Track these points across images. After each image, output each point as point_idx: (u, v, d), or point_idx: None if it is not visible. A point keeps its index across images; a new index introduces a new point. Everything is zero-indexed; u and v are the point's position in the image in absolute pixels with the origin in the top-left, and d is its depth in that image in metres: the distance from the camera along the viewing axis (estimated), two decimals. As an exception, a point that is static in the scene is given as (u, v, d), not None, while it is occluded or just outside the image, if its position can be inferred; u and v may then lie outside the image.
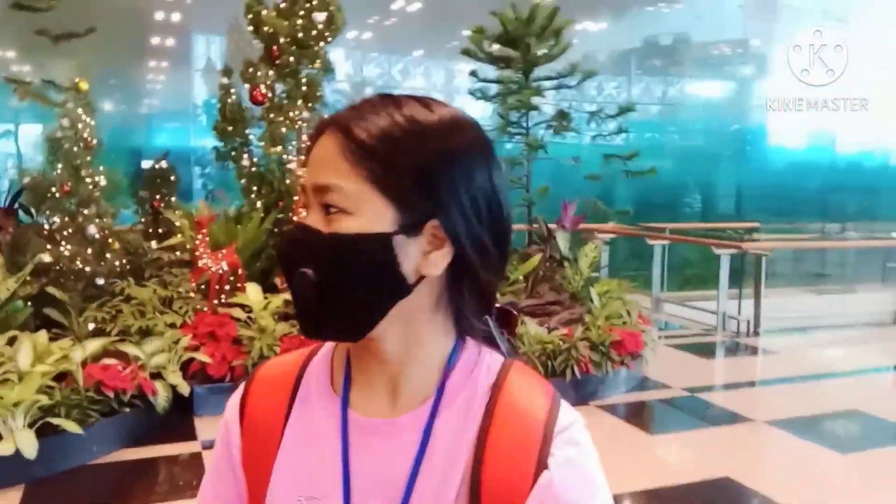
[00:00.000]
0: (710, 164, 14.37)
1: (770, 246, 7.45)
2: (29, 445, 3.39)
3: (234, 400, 0.85)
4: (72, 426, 3.57)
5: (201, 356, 4.44)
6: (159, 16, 11.59)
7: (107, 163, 5.29)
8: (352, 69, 13.40)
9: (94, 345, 4.13)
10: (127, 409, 3.94)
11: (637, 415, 4.92)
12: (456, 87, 13.04)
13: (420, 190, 0.70)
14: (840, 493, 3.77)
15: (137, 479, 3.71)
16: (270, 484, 0.78)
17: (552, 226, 5.98)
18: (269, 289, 5.10)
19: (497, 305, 0.81)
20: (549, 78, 6.28)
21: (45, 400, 3.58)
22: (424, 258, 0.72)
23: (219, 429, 0.84)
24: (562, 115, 6.01)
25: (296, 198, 5.50)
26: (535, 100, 6.14)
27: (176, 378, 4.24)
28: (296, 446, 0.78)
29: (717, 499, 3.66)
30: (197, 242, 4.91)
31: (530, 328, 5.00)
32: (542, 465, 0.70)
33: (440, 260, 0.72)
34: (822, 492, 3.74)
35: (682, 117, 15.48)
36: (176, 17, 11.71)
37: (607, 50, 14.41)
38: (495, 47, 6.14)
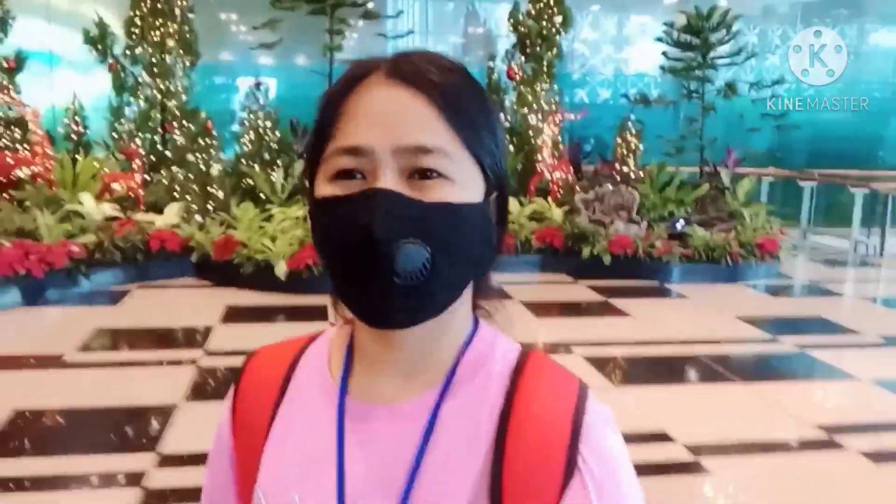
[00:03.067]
0: (888, 114, 14.76)
1: (893, 186, 9.32)
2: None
3: (228, 394, 0.79)
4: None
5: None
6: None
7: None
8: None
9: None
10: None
11: (774, 292, 7.30)
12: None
13: (494, 157, 0.68)
14: None
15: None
16: (258, 479, 0.72)
17: (718, 166, 8.37)
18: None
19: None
20: (720, 57, 8.60)
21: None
22: (495, 227, 0.70)
23: (217, 427, 0.79)
24: (729, 87, 8.34)
25: (537, 144, 8.32)
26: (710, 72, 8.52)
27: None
28: (286, 437, 0.72)
29: (809, 329, 6.07)
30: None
31: (698, 232, 7.51)
32: (571, 464, 0.63)
33: (501, 229, 0.71)
34: None
35: (865, 67, 15.72)
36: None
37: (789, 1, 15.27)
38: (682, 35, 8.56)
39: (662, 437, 3.57)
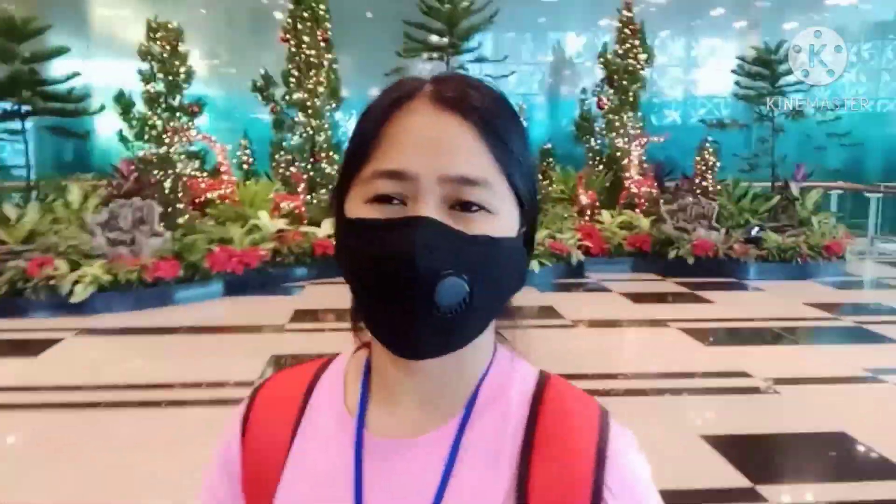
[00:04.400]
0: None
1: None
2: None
3: (235, 419, 0.76)
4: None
5: (586, 242, 8.69)
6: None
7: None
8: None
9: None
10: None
11: (839, 286, 8.34)
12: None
13: (530, 189, 0.67)
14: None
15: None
16: None
17: (788, 180, 9.50)
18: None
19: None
20: (788, 84, 9.76)
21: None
22: (526, 256, 0.69)
23: (217, 449, 0.76)
24: (796, 112, 9.50)
25: (624, 163, 9.63)
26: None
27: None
28: (302, 473, 0.70)
29: (867, 311, 7.13)
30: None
31: (771, 237, 8.64)
32: (597, 495, 0.63)
33: (528, 257, 0.70)
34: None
35: None
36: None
37: (860, 21, 15.91)
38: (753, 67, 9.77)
39: (743, 374, 4.82)
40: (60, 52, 7.76)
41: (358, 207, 0.64)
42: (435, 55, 9.81)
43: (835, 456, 3.61)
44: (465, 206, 0.62)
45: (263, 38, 12.04)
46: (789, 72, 9.59)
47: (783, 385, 4.61)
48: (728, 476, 3.30)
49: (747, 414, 4.16)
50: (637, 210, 9.34)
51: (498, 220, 0.63)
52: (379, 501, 0.66)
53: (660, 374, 4.90)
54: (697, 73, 16.14)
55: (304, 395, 0.74)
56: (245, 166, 9.48)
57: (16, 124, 7.78)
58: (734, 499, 3.11)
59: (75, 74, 8.04)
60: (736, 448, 3.60)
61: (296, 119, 9.28)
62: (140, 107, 8.79)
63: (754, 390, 4.55)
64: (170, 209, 7.47)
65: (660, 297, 7.48)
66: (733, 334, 6.04)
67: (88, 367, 4.93)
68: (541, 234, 8.27)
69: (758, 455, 3.58)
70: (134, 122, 8.85)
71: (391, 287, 0.60)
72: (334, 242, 0.68)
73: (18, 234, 6.79)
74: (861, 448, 3.63)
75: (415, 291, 0.59)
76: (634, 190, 9.46)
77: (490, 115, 0.64)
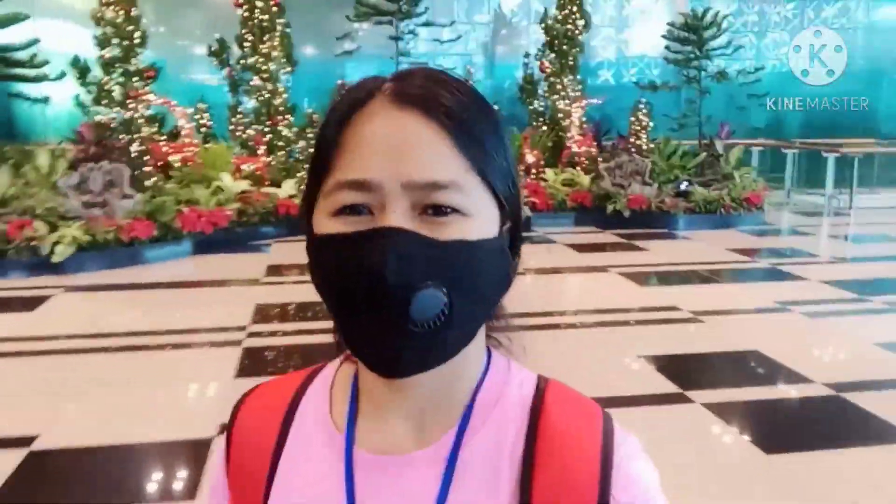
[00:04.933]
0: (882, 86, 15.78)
1: (859, 150, 11.23)
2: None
3: (223, 436, 0.74)
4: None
5: (532, 199, 9.33)
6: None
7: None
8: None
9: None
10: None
11: (758, 234, 9.25)
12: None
13: (509, 185, 0.64)
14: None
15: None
16: None
17: (713, 138, 10.34)
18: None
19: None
20: (713, 49, 10.54)
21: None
22: (511, 259, 0.66)
23: (209, 468, 0.84)
24: (721, 74, 10.30)
25: (565, 124, 10.28)
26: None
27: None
28: (290, 493, 0.67)
29: (782, 255, 8.02)
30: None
31: (698, 190, 9.46)
32: (604, 500, 0.62)
33: (515, 256, 0.67)
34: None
35: (870, 40, 16.02)
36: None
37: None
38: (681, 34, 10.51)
39: (674, 308, 5.57)
40: (18, 18, 7.86)
41: (325, 222, 0.61)
42: (384, 19, 10.18)
43: (749, 367, 4.37)
44: (436, 211, 0.58)
45: (216, 2, 12.15)
46: (714, 37, 10.36)
47: (706, 315, 5.38)
48: (663, 385, 4.01)
49: (676, 338, 4.90)
50: (578, 168, 10.03)
51: (473, 221, 0.59)
52: None
53: (602, 309, 5.60)
54: (629, 34, 16.82)
55: (287, 410, 0.70)
56: (203, 129, 9.73)
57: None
58: (669, 402, 3.82)
59: (35, 41, 8.15)
60: (668, 364, 4.32)
61: (251, 83, 9.57)
62: (96, 72, 8.95)
63: (682, 320, 5.30)
64: (136, 172, 7.76)
65: (600, 247, 8.21)
66: (665, 277, 6.81)
67: (82, 319, 5.33)
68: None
69: (686, 369, 4.31)
70: (90, 88, 9.01)
71: (364, 304, 0.57)
72: (308, 260, 0.63)
73: (-8, 199, 7.01)
74: (770, 361, 4.39)
75: (388, 307, 0.56)
76: (575, 149, 10.14)
77: (458, 111, 0.60)
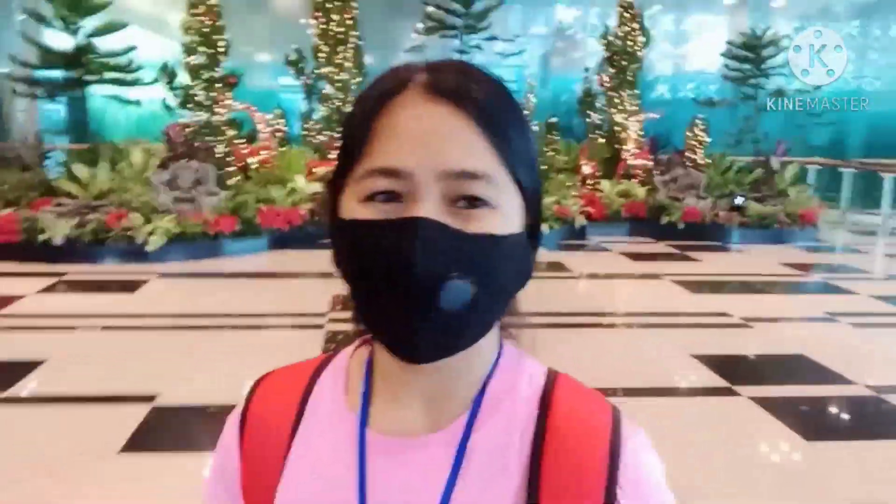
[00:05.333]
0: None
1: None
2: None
3: (234, 419, 0.75)
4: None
5: (588, 208, 9.67)
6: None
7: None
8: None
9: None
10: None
11: (811, 250, 9.40)
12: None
13: (533, 180, 0.65)
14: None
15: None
16: None
17: (769, 155, 10.53)
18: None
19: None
20: (772, 68, 10.74)
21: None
22: (531, 251, 0.67)
23: (217, 451, 0.75)
24: (779, 93, 10.50)
25: (622, 137, 10.59)
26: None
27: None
28: (304, 471, 0.68)
29: (834, 270, 8.18)
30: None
31: (753, 206, 9.67)
32: (611, 496, 0.62)
33: (534, 250, 0.68)
34: None
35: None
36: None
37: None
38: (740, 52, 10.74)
39: (725, 315, 5.86)
40: (119, 27, 8.56)
41: (353, 207, 0.62)
42: (450, 33, 10.68)
43: (793, 368, 4.66)
44: (466, 202, 0.60)
45: (289, 14, 12.84)
46: (773, 56, 10.57)
47: (756, 322, 5.66)
48: (712, 380, 4.34)
49: (726, 341, 5.20)
50: (633, 180, 10.33)
51: (500, 214, 0.61)
52: (383, 501, 0.65)
53: (654, 313, 5.92)
54: (686, 49, 17.02)
55: (304, 392, 0.72)
56: (279, 134, 10.35)
57: (77, 93, 8.61)
58: (717, 394, 4.15)
59: (133, 48, 8.86)
60: (717, 362, 4.64)
61: (324, 91, 10.15)
62: (182, 78, 9.64)
63: (732, 325, 5.60)
64: (221, 172, 8.37)
65: (654, 256, 8.51)
66: (716, 286, 7.08)
67: (177, 301, 5.90)
68: (548, 200, 9.22)
69: (734, 367, 4.62)
70: (177, 92, 9.70)
71: (391, 292, 0.58)
72: (332, 243, 0.65)
73: (92, 191, 7.68)
74: (814, 364, 4.67)
75: (415, 297, 0.57)
76: (631, 162, 10.45)
77: (488, 104, 0.61)
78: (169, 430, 3.53)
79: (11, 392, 3.84)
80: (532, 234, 0.67)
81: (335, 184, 0.65)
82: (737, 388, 4.20)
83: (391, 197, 0.60)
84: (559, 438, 0.64)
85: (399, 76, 0.63)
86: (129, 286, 6.27)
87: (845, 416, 3.99)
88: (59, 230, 6.91)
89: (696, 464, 3.26)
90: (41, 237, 6.90)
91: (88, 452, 3.20)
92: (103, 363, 4.38)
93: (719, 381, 4.31)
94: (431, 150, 0.59)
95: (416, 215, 0.58)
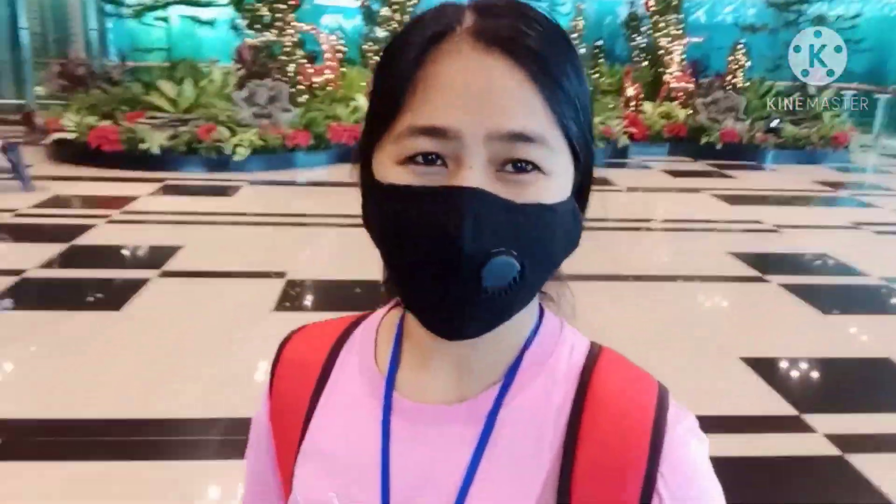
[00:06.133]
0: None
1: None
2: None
3: (265, 383, 0.72)
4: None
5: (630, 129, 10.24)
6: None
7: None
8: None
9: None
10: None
11: (842, 170, 9.94)
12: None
13: (586, 136, 0.58)
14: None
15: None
16: (296, 474, 0.67)
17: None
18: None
19: None
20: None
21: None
22: (581, 216, 0.61)
23: (254, 416, 0.74)
24: (819, 18, 10.82)
25: (666, 60, 11.03)
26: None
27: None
28: (327, 431, 0.66)
29: (862, 187, 8.76)
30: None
31: (788, 128, 10.18)
32: (649, 484, 0.57)
33: (582, 216, 0.62)
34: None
35: None
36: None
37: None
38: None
39: (757, 222, 6.54)
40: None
41: (390, 168, 0.55)
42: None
43: (817, 262, 5.38)
44: (516, 167, 0.53)
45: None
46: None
47: (786, 228, 6.35)
48: (746, 271, 5.08)
49: (758, 242, 5.92)
50: (675, 102, 10.84)
51: (552, 181, 0.55)
52: (406, 469, 0.62)
53: (694, 219, 6.63)
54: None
55: (331, 350, 0.69)
56: (339, 55, 10.95)
57: (164, 13, 9.28)
58: (749, 281, 4.89)
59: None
60: (750, 258, 5.36)
61: (381, 12, 10.68)
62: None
63: (764, 230, 6.30)
64: (291, 90, 9.07)
65: (693, 174, 9.14)
66: (751, 199, 7.74)
67: (272, 204, 6.73)
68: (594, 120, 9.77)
69: (764, 262, 5.34)
70: (245, 14, 10.30)
71: (432, 268, 0.53)
72: (361, 205, 0.59)
73: (181, 106, 8.44)
74: (836, 260, 5.38)
75: (460, 274, 0.52)
76: (674, 84, 10.94)
77: (546, 55, 0.54)
78: (305, 297, 4.38)
79: (167, 267, 4.71)
80: (581, 198, 0.61)
81: (368, 139, 0.58)
82: (767, 277, 4.95)
83: (433, 158, 0.54)
84: (598, 415, 0.59)
85: (445, 17, 0.55)
86: (224, 191, 7.09)
87: (859, 298, 4.73)
88: (156, 141, 7.71)
89: (734, 323, 4.06)
90: (141, 147, 7.71)
91: (248, 312, 4.06)
92: (231, 250, 5.24)
93: (752, 272, 5.06)
94: (483, 107, 0.52)
95: (465, 185, 0.52)
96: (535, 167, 0.54)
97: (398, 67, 0.55)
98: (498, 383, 0.61)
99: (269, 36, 9.90)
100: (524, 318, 0.62)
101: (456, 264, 0.52)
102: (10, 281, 4.33)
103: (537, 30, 0.54)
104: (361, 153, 0.60)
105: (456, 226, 0.51)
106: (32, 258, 4.75)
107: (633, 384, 0.61)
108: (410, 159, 0.54)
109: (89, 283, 4.44)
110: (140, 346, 3.54)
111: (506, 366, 0.62)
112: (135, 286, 4.30)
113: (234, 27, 10.44)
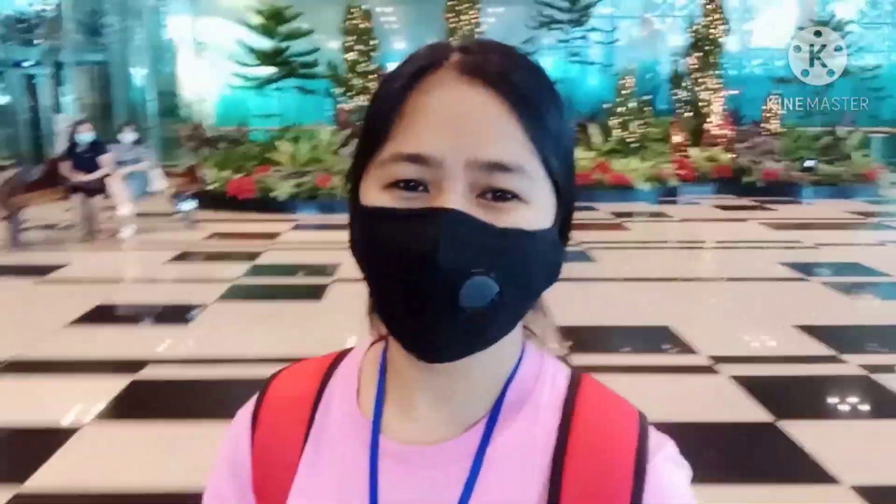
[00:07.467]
0: None
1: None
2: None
3: (244, 416, 0.71)
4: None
5: (679, 171, 11.58)
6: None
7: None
8: None
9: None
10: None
11: (872, 203, 11.11)
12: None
13: (568, 172, 0.60)
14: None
15: (671, 205, 10.95)
16: None
17: (836, 125, 12.25)
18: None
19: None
20: (838, 48, 12.42)
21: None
22: (562, 250, 0.62)
23: (224, 446, 0.71)
24: (844, 70, 12.19)
25: (706, 110, 12.45)
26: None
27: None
28: (315, 479, 0.65)
29: (889, 215, 9.94)
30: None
31: (821, 167, 11.43)
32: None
33: (564, 248, 0.63)
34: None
35: None
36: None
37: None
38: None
39: (798, 242, 7.80)
40: (307, 33, 10.87)
41: (374, 194, 0.57)
42: (556, 26, 12.69)
43: (849, 269, 6.62)
44: (496, 195, 0.55)
45: (426, 15, 15.08)
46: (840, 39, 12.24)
47: (824, 246, 7.60)
48: (790, 273, 6.33)
49: (799, 256, 7.17)
50: (717, 147, 12.22)
51: (532, 209, 0.56)
52: None
53: (743, 241, 7.91)
54: (753, 26, 18.60)
55: (316, 394, 0.68)
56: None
57: (278, 85, 11.00)
58: (793, 281, 6.15)
59: (317, 49, 11.19)
60: (793, 266, 6.61)
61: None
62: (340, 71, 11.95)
63: (805, 247, 7.55)
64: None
65: (739, 207, 10.43)
66: (792, 225, 9.00)
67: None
68: (645, 164, 11.20)
69: (805, 269, 6.58)
70: (338, 83, 12.02)
71: (411, 286, 0.54)
72: (349, 231, 0.60)
73: (298, 161, 10.04)
74: (865, 267, 6.61)
75: (437, 292, 0.53)
76: (715, 132, 12.33)
77: (528, 91, 0.56)
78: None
79: (338, 275, 6.13)
80: (563, 232, 0.61)
81: (357, 167, 0.60)
82: (808, 278, 6.20)
83: (415, 185, 0.55)
84: (582, 445, 0.60)
85: (433, 53, 0.57)
86: (343, 227, 8.55)
87: (880, 291, 5.95)
88: (284, 189, 9.27)
89: (787, 305, 5.35)
90: (271, 194, 9.27)
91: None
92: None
93: (796, 274, 6.32)
94: (463, 136, 0.54)
95: (444, 206, 0.53)
96: (515, 196, 0.55)
97: (386, 97, 0.57)
98: (483, 419, 0.62)
99: (360, 101, 11.59)
100: (507, 351, 0.62)
101: (433, 282, 0.52)
102: (224, 287, 5.80)
103: (520, 67, 0.57)
104: (350, 180, 0.61)
105: (433, 243, 0.52)
106: (233, 272, 6.24)
107: (615, 411, 0.62)
108: (394, 185, 0.55)
109: (283, 287, 5.90)
110: (335, 325, 4.94)
111: (490, 401, 0.62)
112: (320, 288, 5.73)
113: (329, 94, 12.13)
